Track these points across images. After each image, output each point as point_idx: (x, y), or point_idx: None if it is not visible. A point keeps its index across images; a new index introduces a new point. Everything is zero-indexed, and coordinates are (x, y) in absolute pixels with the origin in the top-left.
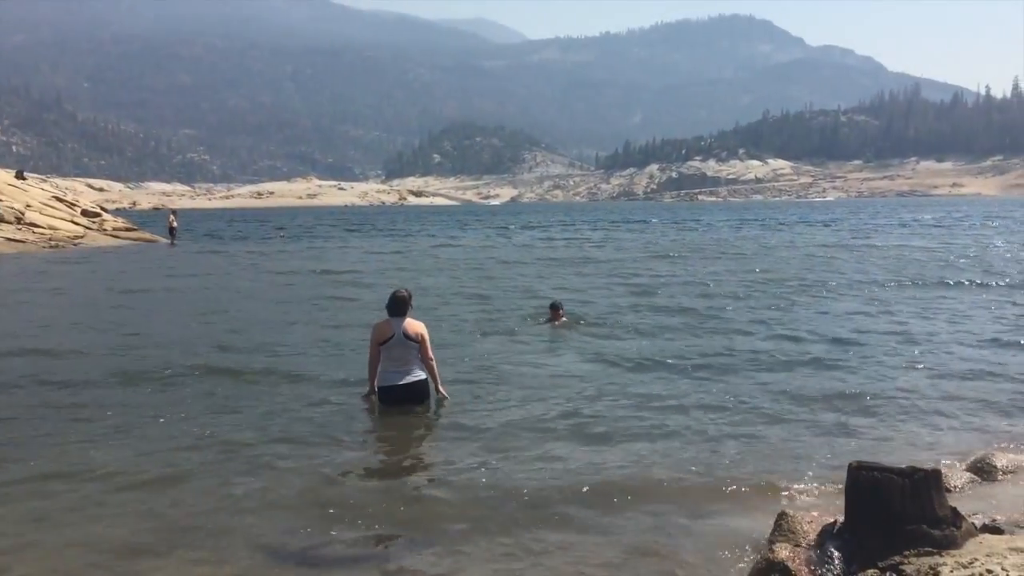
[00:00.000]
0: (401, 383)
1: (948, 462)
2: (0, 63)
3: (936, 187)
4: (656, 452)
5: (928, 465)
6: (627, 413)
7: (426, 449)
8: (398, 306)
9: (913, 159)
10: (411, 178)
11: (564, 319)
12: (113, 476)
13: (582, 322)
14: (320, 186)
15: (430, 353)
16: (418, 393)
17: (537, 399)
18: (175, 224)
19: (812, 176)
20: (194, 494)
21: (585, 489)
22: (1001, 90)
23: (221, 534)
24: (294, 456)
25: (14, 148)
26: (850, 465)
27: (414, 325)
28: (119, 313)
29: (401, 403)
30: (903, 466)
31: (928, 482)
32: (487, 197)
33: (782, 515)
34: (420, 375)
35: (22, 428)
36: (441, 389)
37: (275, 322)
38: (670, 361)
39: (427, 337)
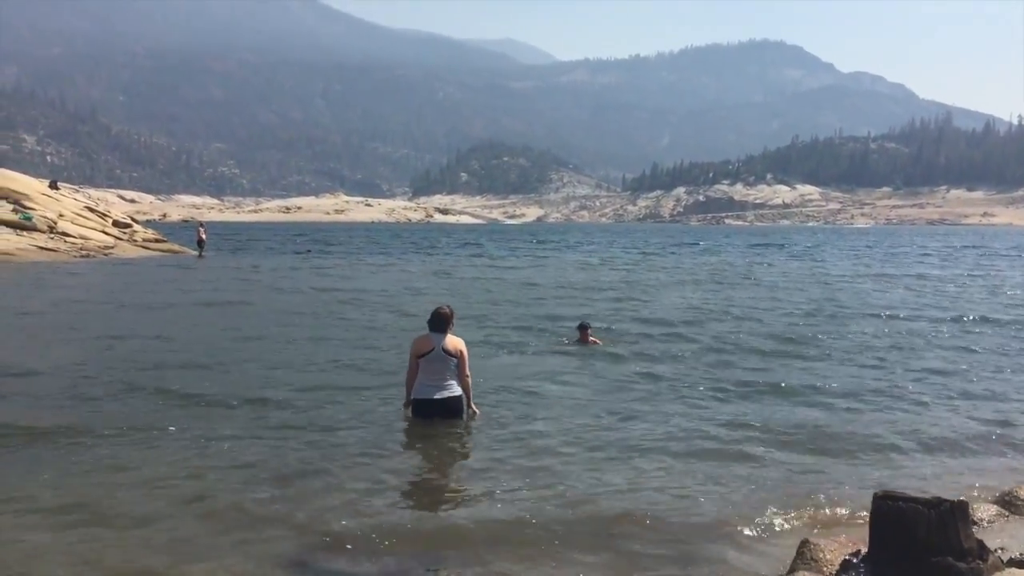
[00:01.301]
0: (436, 397)
1: (975, 494)
2: (37, 75)
3: (966, 216)
4: (681, 475)
5: (955, 497)
6: (654, 437)
7: (455, 466)
8: (439, 321)
9: (943, 187)
10: (438, 196)
11: (593, 339)
12: (145, 484)
13: (611, 342)
14: (348, 202)
15: (467, 370)
16: (453, 408)
17: (562, 421)
18: (204, 237)
19: (841, 202)
20: (218, 507)
21: (610, 515)
22: None
23: (241, 545)
24: (323, 465)
25: (49, 159)
26: (875, 494)
27: (454, 341)
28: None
29: (435, 416)
30: (929, 496)
31: (954, 513)
32: (513, 216)
33: (804, 543)
34: (456, 391)
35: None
36: (473, 405)
37: (304, 339)
38: (699, 386)
39: (466, 354)
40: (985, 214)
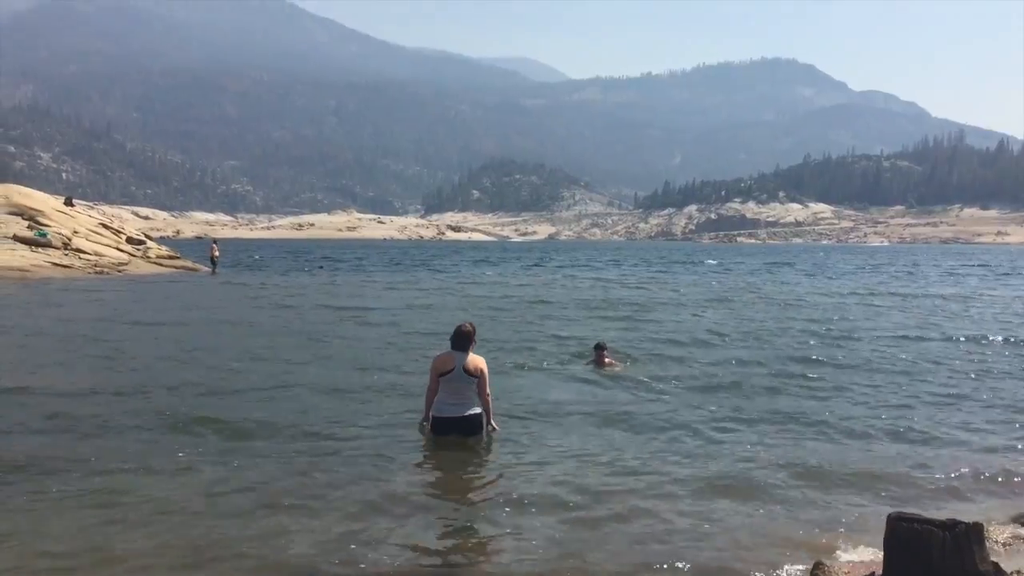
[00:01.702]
0: (455, 415)
1: (991, 516)
2: (53, 93)
3: (980, 235)
4: (695, 500)
5: (971, 518)
6: (669, 463)
7: (470, 487)
8: (461, 340)
9: (957, 206)
10: (449, 213)
11: (609, 361)
12: (159, 501)
13: (628, 363)
14: (360, 219)
15: (487, 389)
16: (472, 426)
17: (574, 447)
18: (217, 254)
19: (853, 220)
20: (233, 518)
21: (627, 546)
22: None
23: (254, 558)
24: (340, 480)
25: (64, 175)
26: (889, 516)
27: (475, 360)
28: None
29: (453, 434)
30: (944, 518)
31: (969, 536)
32: (524, 234)
33: (818, 565)
34: (476, 409)
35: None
36: (493, 422)
37: (320, 358)
38: (711, 407)
39: (487, 373)
40: (999, 233)
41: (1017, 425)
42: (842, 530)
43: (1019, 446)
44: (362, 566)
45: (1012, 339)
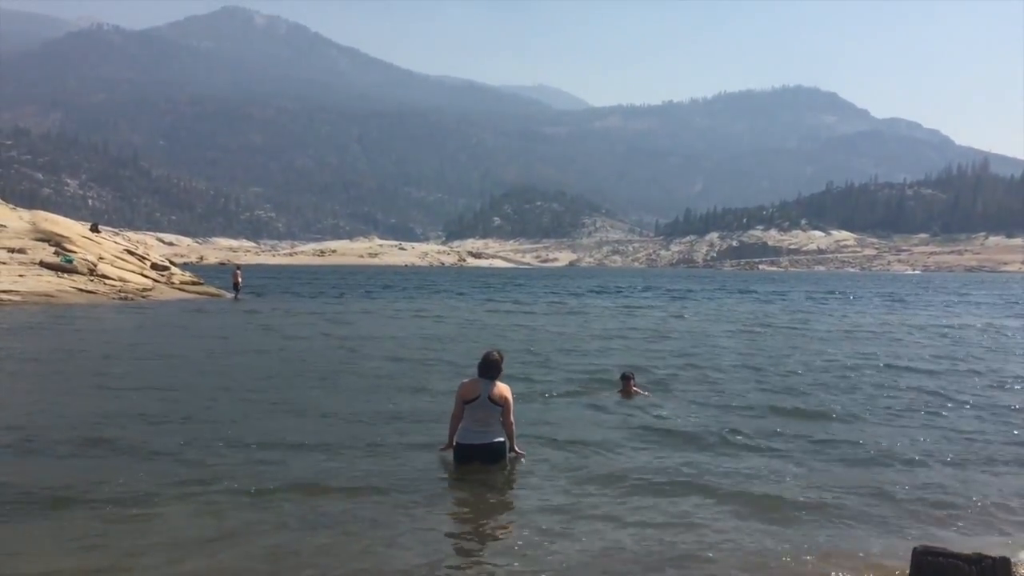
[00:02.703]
0: (479, 443)
1: (1018, 550)
2: (81, 120)
3: (1005, 263)
4: (715, 531)
5: (998, 552)
6: (694, 495)
7: (490, 515)
8: (489, 368)
9: (982, 234)
10: (471, 240)
11: (637, 391)
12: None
13: (654, 394)
14: (381, 245)
15: (511, 418)
16: (494, 454)
17: (594, 474)
18: (240, 280)
19: (877, 248)
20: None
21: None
22: None
23: None
24: (361, 504)
25: (90, 202)
26: (915, 549)
27: (501, 389)
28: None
29: (475, 461)
30: (970, 552)
31: (996, 570)
32: (546, 261)
33: None
34: (499, 437)
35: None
36: (516, 448)
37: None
38: (731, 437)
39: (512, 402)
40: None
41: None
42: (866, 561)
43: None
44: None
45: None
